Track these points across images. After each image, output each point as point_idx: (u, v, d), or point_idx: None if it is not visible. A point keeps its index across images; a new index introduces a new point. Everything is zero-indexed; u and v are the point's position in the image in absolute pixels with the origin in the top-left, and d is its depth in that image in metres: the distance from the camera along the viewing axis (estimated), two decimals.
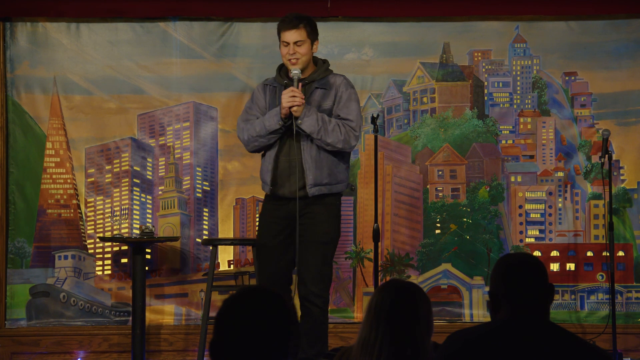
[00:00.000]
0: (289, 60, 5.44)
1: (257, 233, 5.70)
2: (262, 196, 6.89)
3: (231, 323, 2.62)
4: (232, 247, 6.91)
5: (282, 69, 5.62)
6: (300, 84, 5.42)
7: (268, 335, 2.61)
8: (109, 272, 6.94)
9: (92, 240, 6.92)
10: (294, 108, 5.33)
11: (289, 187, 5.44)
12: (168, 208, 6.95)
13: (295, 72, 5.40)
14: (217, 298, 6.52)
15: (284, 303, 2.67)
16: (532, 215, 6.98)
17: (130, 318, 6.63)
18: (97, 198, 6.95)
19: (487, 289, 6.85)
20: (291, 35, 5.43)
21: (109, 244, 6.88)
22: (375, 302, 3.14)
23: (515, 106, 7.03)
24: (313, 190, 5.40)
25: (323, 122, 5.37)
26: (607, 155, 6.39)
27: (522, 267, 3.02)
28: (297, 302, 5.39)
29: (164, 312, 6.88)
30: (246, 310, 2.63)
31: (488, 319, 3.20)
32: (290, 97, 5.33)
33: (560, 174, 6.99)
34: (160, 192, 6.97)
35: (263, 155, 5.60)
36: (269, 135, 5.44)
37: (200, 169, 6.97)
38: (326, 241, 5.45)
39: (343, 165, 5.53)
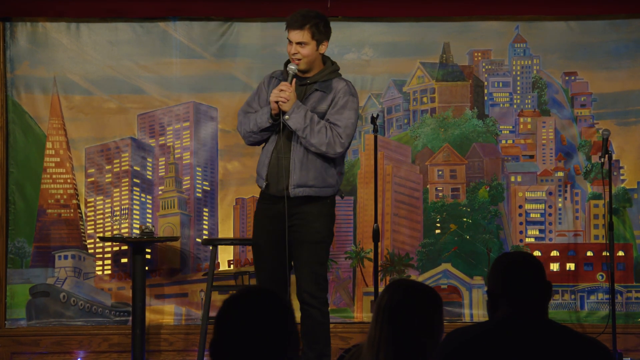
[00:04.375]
0: (292, 59, 5.34)
1: (252, 230, 5.62)
2: None
3: (231, 323, 2.62)
4: (232, 247, 6.91)
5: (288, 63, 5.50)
6: (294, 80, 5.31)
7: (268, 335, 2.61)
8: (109, 272, 6.94)
9: (92, 240, 6.92)
10: (280, 103, 5.23)
11: (276, 186, 5.34)
12: (168, 208, 6.95)
13: (291, 67, 5.30)
14: (217, 298, 6.52)
15: (284, 303, 2.67)
16: (532, 215, 6.98)
17: (130, 318, 6.63)
18: (97, 198, 6.95)
19: (487, 288, 6.84)
20: (295, 35, 5.31)
21: (109, 243, 6.88)
22: (381, 300, 3.15)
23: (515, 106, 7.03)
24: (296, 191, 5.29)
25: (311, 121, 5.24)
26: (607, 155, 6.39)
27: (520, 265, 3.03)
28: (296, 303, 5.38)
29: (164, 312, 6.88)
30: (246, 310, 2.63)
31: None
32: (279, 92, 5.24)
33: (560, 174, 6.99)
34: (160, 192, 6.97)
35: (263, 148, 5.50)
36: (260, 132, 5.36)
37: (200, 169, 6.97)
38: (317, 240, 5.34)
39: (334, 170, 5.38)
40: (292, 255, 5.39)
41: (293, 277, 5.46)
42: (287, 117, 5.22)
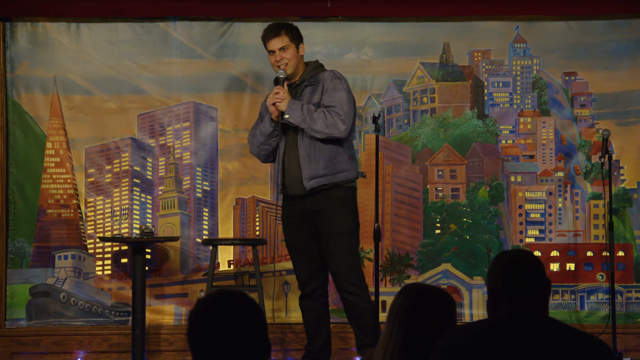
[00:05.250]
0: (278, 66, 5.70)
1: (283, 233, 5.91)
2: (262, 196, 6.93)
3: (204, 336, 2.60)
4: (232, 247, 6.91)
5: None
6: (285, 83, 5.67)
7: (243, 334, 2.60)
8: (109, 272, 6.94)
9: (92, 240, 6.92)
10: (277, 104, 5.58)
11: (293, 187, 5.65)
12: (168, 208, 6.95)
13: (279, 72, 5.68)
14: None
15: (254, 304, 2.65)
16: (532, 215, 6.98)
17: (130, 318, 6.63)
18: (97, 198, 6.94)
19: (487, 288, 6.84)
20: (275, 43, 5.70)
21: (109, 244, 6.88)
22: (394, 304, 3.15)
23: (515, 106, 7.03)
24: (310, 183, 5.59)
25: (308, 111, 5.57)
26: (607, 155, 6.39)
27: (520, 262, 3.03)
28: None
29: (164, 312, 6.88)
30: (214, 319, 2.60)
31: None
32: (273, 95, 5.61)
33: (560, 174, 6.99)
34: (160, 192, 6.97)
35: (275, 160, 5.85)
36: (268, 139, 5.71)
37: (200, 169, 6.97)
38: (346, 231, 5.63)
39: (344, 155, 5.68)
40: (324, 249, 5.67)
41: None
42: (286, 116, 5.57)
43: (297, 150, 5.62)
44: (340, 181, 5.66)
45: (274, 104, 5.60)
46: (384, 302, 6.56)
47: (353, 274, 5.64)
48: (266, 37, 5.74)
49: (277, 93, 5.60)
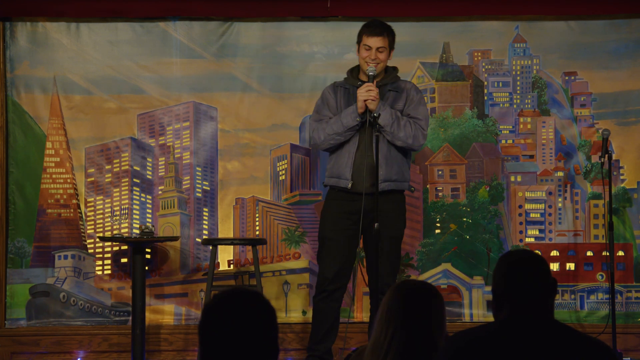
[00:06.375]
0: (367, 63, 5.78)
1: (321, 226, 5.92)
2: (262, 196, 6.92)
3: (215, 332, 2.60)
4: (232, 246, 6.91)
5: (354, 72, 5.95)
6: (375, 81, 5.76)
7: (254, 335, 2.60)
8: (109, 272, 6.94)
9: (92, 240, 6.92)
10: (369, 101, 5.66)
11: (361, 184, 5.71)
12: (168, 208, 6.95)
13: (370, 68, 5.74)
14: None
15: (268, 304, 2.66)
16: (532, 215, 6.98)
17: (130, 318, 6.63)
18: (97, 198, 6.94)
19: (487, 288, 6.85)
20: (376, 42, 5.80)
21: (109, 243, 6.88)
22: (387, 302, 3.14)
23: (515, 106, 7.03)
24: (384, 185, 5.70)
25: (396, 117, 5.72)
26: (607, 155, 6.39)
27: (523, 264, 3.02)
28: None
29: (163, 312, 6.88)
30: (228, 316, 2.61)
31: (488, 319, 3.19)
32: (366, 92, 5.67)
33: (560, 173, 6.99)
34: (160, 192, 6.97)
35: (332, 152, 5.87)
36: (346, 132, 5.75)
37: (200, 169, 6.97)
38: (399, 236, 5.83)
39: (408, 165, 5.88)
40: (371, 247, 5.72)
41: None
42: (375, 115, 5.66)
43: (373, 150, 5.68)
44: (404, 189, 5.86)
45: (365, 100, 5.67)
46: None
47: (394, 278, 5.80)
48: (370, 32, 5.82)
49: (370, 90, 5.69)
